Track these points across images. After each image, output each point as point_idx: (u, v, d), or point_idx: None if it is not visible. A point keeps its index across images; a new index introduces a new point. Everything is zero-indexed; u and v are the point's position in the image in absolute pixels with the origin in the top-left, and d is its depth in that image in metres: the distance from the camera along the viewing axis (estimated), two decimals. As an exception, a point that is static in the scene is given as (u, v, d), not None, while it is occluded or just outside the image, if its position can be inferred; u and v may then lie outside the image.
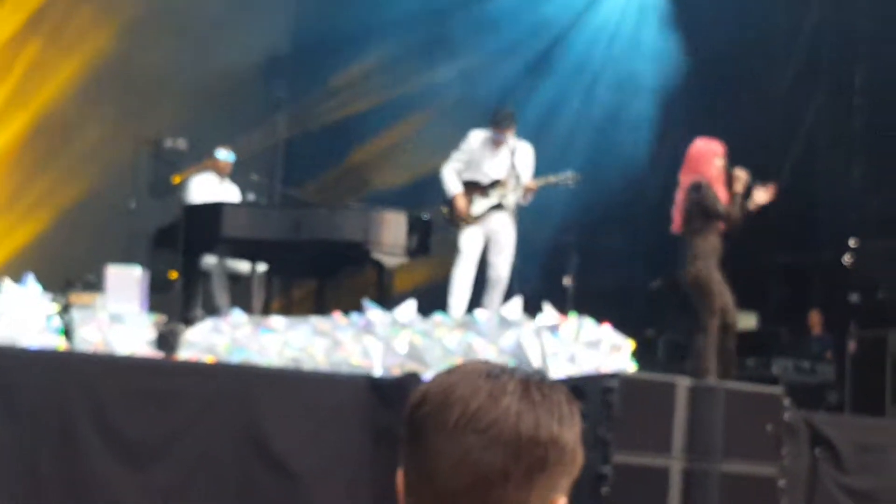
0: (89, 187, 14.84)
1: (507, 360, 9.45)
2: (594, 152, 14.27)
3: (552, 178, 11.15)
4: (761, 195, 9.69)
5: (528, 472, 2.03)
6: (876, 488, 8.94)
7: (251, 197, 12.36)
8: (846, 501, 8.83)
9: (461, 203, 10.88)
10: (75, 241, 14.32)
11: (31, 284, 9.36)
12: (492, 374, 2.07)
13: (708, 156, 9.63)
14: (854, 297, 13.65)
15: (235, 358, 9.40)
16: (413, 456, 2.08)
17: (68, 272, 12.90)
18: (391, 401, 8.03)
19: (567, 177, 11.16)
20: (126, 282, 10.09)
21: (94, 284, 11.86)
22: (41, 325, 9.11)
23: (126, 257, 11.64)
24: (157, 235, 12.08)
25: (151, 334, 9.67)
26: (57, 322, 9.49)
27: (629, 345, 9.99)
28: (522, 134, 11.30)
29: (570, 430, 2.08)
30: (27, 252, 14.31)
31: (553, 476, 2.06)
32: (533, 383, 2.07)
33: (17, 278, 9.35)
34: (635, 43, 15.33)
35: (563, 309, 10.19)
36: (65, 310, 10.62)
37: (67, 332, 9.56)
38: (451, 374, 2.09)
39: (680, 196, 9.66)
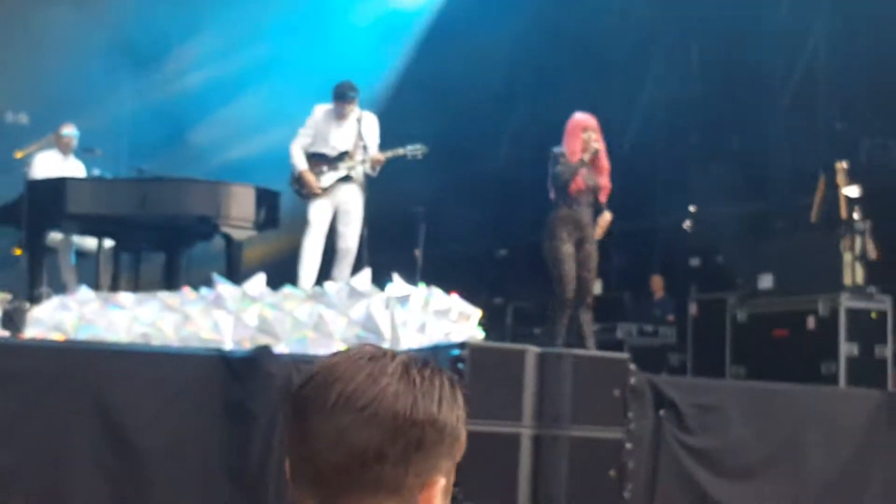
0: None
1: (358, 331, 9.54)
2: (442, 124, 14.38)
3: (400, 151, 11.24)
4: (604, 218, 10.09)
5: (405, 451, 2.06)
6: (716, 447, 9.24)
7: (96, 172, 12.22)
8: (688, 460, 9.10)
9: (309, 178, 10.92)
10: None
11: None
12: (375, 356, 2.10)
13: (575, 129, 9.94)
14: (694, 262, 14.03)
15: (83, 335, 9.31)
16: (294, 437, 2.10)
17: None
18: (242, 376, 8.04)
19: (416, 149, 11.25)
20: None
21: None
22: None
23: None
24: (0, 212, 11.86)
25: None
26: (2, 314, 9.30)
27: (478, 313, 10.13)
28: (370, 105, 11.37)
29: (450, 412, 2.11)
30: None
31: (431, 457, 2.09)
32: (414, 366, 2.11)
33: None
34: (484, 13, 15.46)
35: (412, 279, 10.29)
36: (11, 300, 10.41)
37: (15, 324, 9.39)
38: (335, 357, 2.12)
39: None
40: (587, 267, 9.86)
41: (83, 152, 12.41)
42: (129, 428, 7.53)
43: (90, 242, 11.92)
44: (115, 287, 11.41)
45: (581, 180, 9.85)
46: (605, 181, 10.02)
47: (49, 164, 12.15)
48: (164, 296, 9.89)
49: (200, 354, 8.32)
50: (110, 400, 7.55)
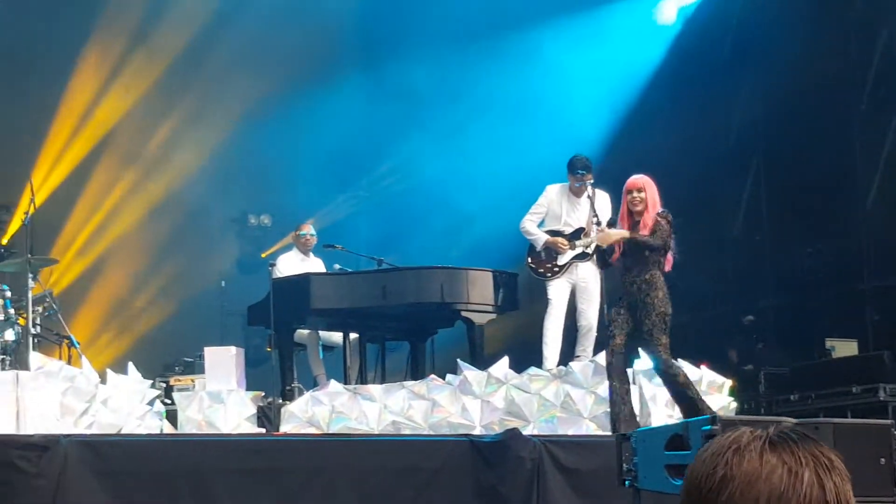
0: (179, 270, 15.08)
1: (606, 407, 9.47)
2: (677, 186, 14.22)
3: None
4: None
5: None
6: None
7: (336, 267, 12.48)
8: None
9: (560, 241, 10.97)
10: (171, 324, 14.55)
11: (132, 372, 9.53)
12: (774, 443, 2.12)
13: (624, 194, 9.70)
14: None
15: (336, 427, 9.52)
16: None
17: (167, 356, 13.16)
18: (492, 460, 8.06)
19: None
20: (223, 361, 10.23)
21: (193, 366, 12.07)
22: (144, 410, 9.28)
23: (222, 335, 11.84)
24: (249, 312, 12.22)
25: (252, 410, 9.81)
26: (159, 406, 9.66)
27: (728, 383, 9.95)
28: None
29: (850, 486, 2.16)
30: (125, 340, 14.56)
31: None
32: (815, 447, 2.14)
33: (120, 368, 9.54)
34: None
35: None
36: (166, 393, 10.83)
37: (170, 415, 9.74)
38: (733, 454, 2.13)
39: None
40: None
41: (323, 248, 12.71)
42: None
43: (336, 336, 12.16)
44: (362, 379, 11.59)
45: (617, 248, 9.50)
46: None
47: (291, 263, 12.47)
48: (412, 384, 10.02)
49: (450, 440, 8.38)
50: (367, 490, 7.66)
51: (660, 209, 9.38)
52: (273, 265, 12.20)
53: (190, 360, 12.29)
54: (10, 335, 10.52)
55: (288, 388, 11.11)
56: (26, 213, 10.68)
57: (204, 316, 14.47)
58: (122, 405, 9.17)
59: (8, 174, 13.29)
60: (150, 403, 9.44)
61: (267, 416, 10.11)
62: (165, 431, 9.30)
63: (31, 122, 14.74)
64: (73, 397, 8.93)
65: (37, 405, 8.65)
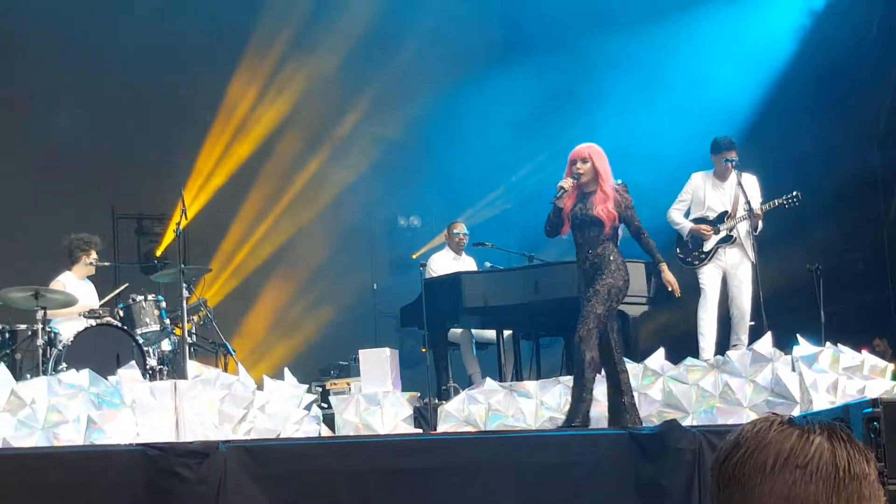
0: (335, 276, 15.19)
1: (767, 397, 9.28)
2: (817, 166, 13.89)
3: (777, 201, 10.91)
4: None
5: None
6: None
7: (488, 265, 12.46)
8: None
9: (703, 227, 10.81)
10: (327, 326, 14.67)
11: (289, 377, 9.60)
12: (792, 420, 2.17)
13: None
14: None
15: (493, 425, 9.48)
16: (731, 503, 2.15)
17: (322, 360, 13.27)
18: (652, 452, 7.93)
19: (792, 197, 10.88)
20: (378, 362, 10.25)
21: (348, 369, 12.14)
22: (301, 415, 9.32)
23: (375, 338, 11.90)
24: (402, 313, 12.26)
25: (408, 411, 9.82)
26: (316, 410, 9.71)
27: (891, 367, 9.65)
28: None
29: (874, 469, 2.15)
30: (282, 345, 14.72)
31: None
32: (834, 426, 2.16)
33: (279, 375, 9.61)
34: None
35: (816, 339, 9.95)
36: (323, 397, 10.91)
37: (327, 419, 9.79)
38: (749, 427, 2.18)
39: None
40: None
41: (474, 247, 12.70)
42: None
43: (489, 334, 12.13)
44: (518, 376, 11.54)
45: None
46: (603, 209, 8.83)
47: (443, 263, 12.48)
48: (567, 379, 9.92)
49: (609, 434, 8.27)
50: (528, 485, 7.60)
51: (613, 181, 8.90)
52: (424, 265, 12.23)
53: (345, 363, 12.37)
54: (166, 345, 10.70)
55: (443, 387, 11.13)
56: (178, 224, 10.84)
57: (358, 319, 14.56)
58: (280, 410, 9.22)
59: (162, 187, 13.52)
60: (308, 408, 9.48)
61: (423, 417, 10.12)
62: (323, 435, 9.33)
63: (186, 135, 14.99)
64: (230, 404, 9.00)
65: (195, 413, 8.74)
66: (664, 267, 9.03)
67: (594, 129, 13.02)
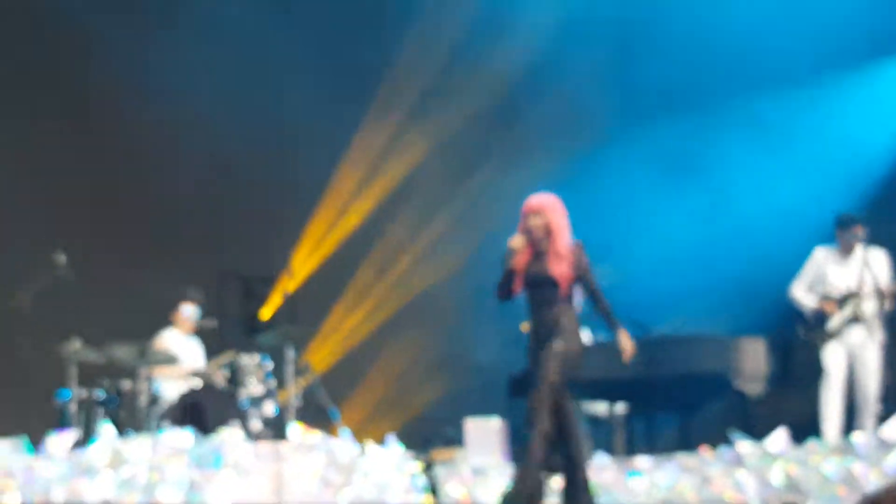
0: (438, 340, 15.03)
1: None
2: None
3: None
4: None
5: None
6: None
7: (601, 338, 12.18)
8: None
9: (828, 304, 10.44)
10: (432, 395, 14.49)
11: (393, 444, 9.39)
12: None
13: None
14: None
15: (602, 503, 9.16)
16: None
17: (427, 428, 13.05)
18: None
19: None
20: (485, 434, 10.04)
21: (454, 439, 11.90)
22: (406, 484, 9.11)
23: (483, 408, 11.65)
24: (510, 384, 12.03)
25: (515, 484, 9.53)
26: (421, 480, 9.47)
27: None
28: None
29: None
30: (388, 413, 14.54)
31: None
32: None
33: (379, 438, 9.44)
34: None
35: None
36: (428, 467, 10.66)
37: (433, 489, 9.55)
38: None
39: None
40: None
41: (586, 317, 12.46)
42: None
43: (600, 407, 11.84)
44: (630, 451, 11.22)
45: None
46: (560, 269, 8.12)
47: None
48: (682, 457, 9.60)
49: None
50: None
51: (569, 238, 8.15)
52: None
53: (450, 432, 12.15)
54: (270, 408, 10.56)
55: (553, 461, 10.82)
56: (285, 287, 10.77)
57: (464, 389, 14.37)
58: (383, 478, 9.03)
59: (271, 248, 13.46)
60: (412, 477, 9.26)
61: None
62: (427, 505, 9.11)
63: (299, 199, 14.98)
64: (333, 470, 8.84)
65: (297, 477, 8.61)
66: (622, 332, 8.31)
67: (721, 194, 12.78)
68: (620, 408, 11.73)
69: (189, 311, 11.27)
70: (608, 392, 11.51)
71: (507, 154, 15.24)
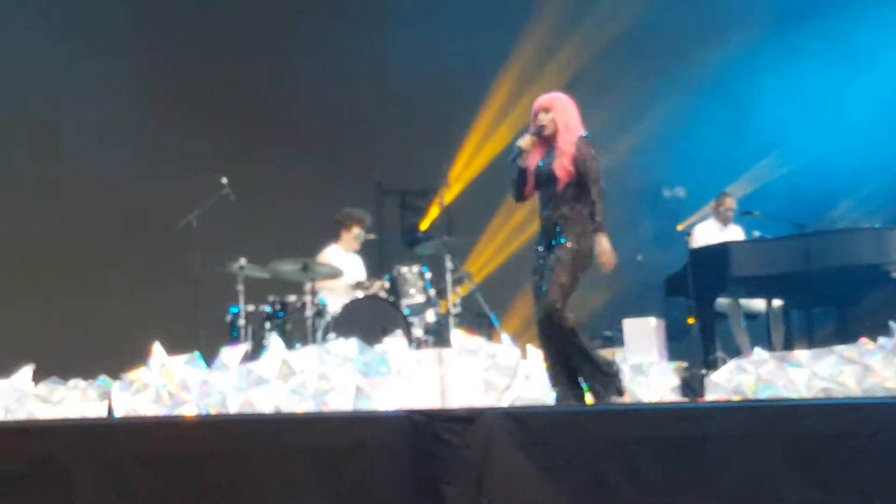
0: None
1: None
2: None
3: None
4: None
5: None
6: None
7: (756, 234, 12.14)
8: None
9: None
10: (590, 297, 14.56)
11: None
12: None
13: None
14: None
15: (762, 396, 9.19)
16: None
17: (585, 329, 13.16)
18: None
19: None
20: (643, 333, 10.11)
21: (613, 339, 12.01)
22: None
23: (640, 308, 11.73)
24: (668, 284, 12.07)
25: (675, 381, 9.63)
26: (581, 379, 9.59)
27: None
28: None
29: None
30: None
31: None
32: None
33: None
34: None
35: None
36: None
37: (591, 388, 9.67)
38: None
39: None
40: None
41: (742, 216, 12.41)
42: (817, 480, 7.24)
43: (758, 304, 11.81)
44: (788, 346, 11.20)
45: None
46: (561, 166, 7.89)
47: (709, 234, 12.25)
48: (841, 349, 9.55)
49: (887, 404, 7.89)
50: (798, 455, 7.32)
51: (580, 133, 7.96)
52: (690, 235, 12.03)
53: (609, 334, 12.25)
54: (431, 315, 10.78)
55: (711, 357, 10.88)
56: (442, 198, 10.92)
57: (622, 290, 14.41)
58: (544, 380, 9.16)
59: (427, 161, 13.62)
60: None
61: (690, 387, 9.91)
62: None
63: (456, 111, 15.10)
64: (495, 373, 8.99)
65: (460, 382, 8.77)
66: (601, 237, 7.99)
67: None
68: (778, 304, 11.69)
69: (357, 234, 11.52)
70: (765, 289, 11.47)
71: (662, 61, 15.16)
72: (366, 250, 11.93)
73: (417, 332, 10.55)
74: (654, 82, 15.45)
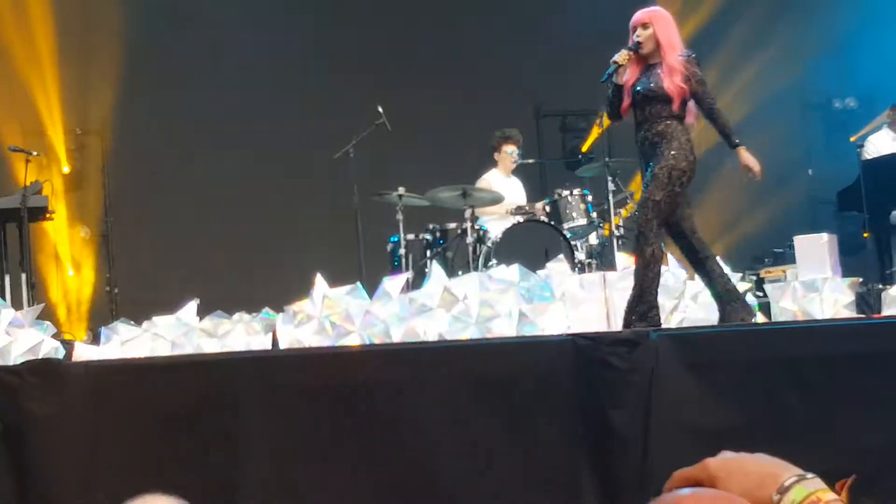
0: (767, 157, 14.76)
1: None
2: None
3: None
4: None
5: None
6: None
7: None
8: None
9: None
10: (760, 215, 14.28)
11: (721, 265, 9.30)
12: None
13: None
14: None
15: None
16: None
17: (755, 247, 12.90)
18: None
19: None
20: (815, 249, 9.81)
21: (783, 256, 11.72)
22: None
23: (811, 224, 11.45)
24: (839, 198, 11.73)
25: (849, 297, 9.33)
26: (752, 299, 9.38)
27: None
28: None
29: None
30: (713, 231, 14.43)
31: None
32: None
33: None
34: None
35: None
36: (757, 285, 10.55)
37: (763, 307, 9.46)
38: None
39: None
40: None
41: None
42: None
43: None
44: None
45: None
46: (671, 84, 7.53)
47: (882, 144, 11.86)
48: None
49: None
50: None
51: (683, 51, 7.62)
52: (862, 147, 11.68)
53: (780, 250, 11.98)
54: (593, 238, 10.63)
55: (887, 272, 10.55)
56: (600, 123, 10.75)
57: (793, 206, 14.11)
58: (712, 300, 8.96)
59: (587, 83, 13.43)
60: (742, 296, 9.16)
61: (866, 302, 9.62)
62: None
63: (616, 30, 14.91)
64: (662, 294, 8.81)
65: (624, 304, 8.63)
66: (742, 150, 7.67)
67: None
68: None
69: (510, 151, 11.40)
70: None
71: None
72: (526, 174, 11.81)
73: (580, 255, 10.41)
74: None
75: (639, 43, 7.67)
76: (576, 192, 10.83)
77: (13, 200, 10.57)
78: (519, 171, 11.60)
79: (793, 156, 14.87)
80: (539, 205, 10.88)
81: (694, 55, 7.67)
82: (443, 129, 13.61)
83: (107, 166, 13.43)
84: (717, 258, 8.28)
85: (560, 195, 10.81)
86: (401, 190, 10.70)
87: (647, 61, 7.71)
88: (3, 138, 12.52)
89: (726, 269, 8.28)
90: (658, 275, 7.73)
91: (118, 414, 5.84)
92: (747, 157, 7.73)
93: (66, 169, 13.43)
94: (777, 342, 7.32)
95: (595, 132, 13.92)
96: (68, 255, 13.31)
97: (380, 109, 11.00)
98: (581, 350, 6.81)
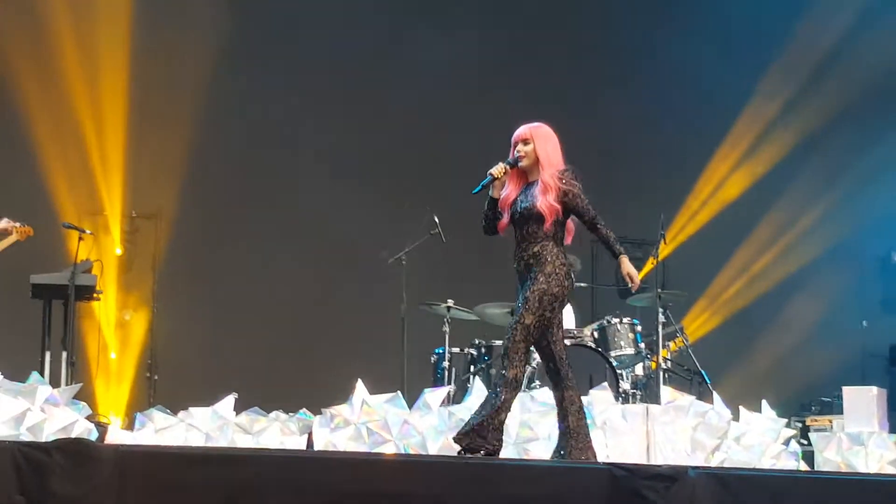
0: (822, 308, 14.64)
1: None
2: None
3: None
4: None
5: None
6: None
7: None
8: None
9: None
10: (810, 363, 14.12)
11: (766, 410, 9.17)
12: None
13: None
14: None
15: None
16: None
17: (803, 395, 12.71)
18: None
19: None
20: (864, 401, 9.67)
21: (831, 406, 11.54)
22: (778, 450, 8.88)
23: (862, 376, 11.28)
24: (892, 352, 11.57)
25: (894, 454, 9.15)
26: (795, 446, 9.22)
27: None
28: None
29: None
30: (761, 375, 14.27)
31: None
32: None
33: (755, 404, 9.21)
34: None
35: None
36: (802, 433, 10.38)
37: (806, 456, 9.30)
38: None
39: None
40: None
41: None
42: None
43: None
44: None
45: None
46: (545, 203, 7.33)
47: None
48: None
49: None
50: None
51: (562, 166, 7.37)
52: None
53: (827, 399, 11.81)
54: (640, 369, 10.51)
55: (936, 432, 10.33)
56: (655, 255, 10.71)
57: (844, 357, 13.94)
58: (756, 443, 8.82)
59: (644, 215, 13.43)
60: (786, 443, 9.01)
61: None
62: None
63: (681, 165, 14.95)
64: (704, 433, 8.70)
65: (667, 439, 8.51)
66: (623, 259, 7.57)
67: None
68: None
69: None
70: None
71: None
72: (577, 298, 11.73)
73: (625, 384, 10.29)
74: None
75: (518, 158, 7.51)
76: (626, 320, 10.75)
77: (62, 277, 10.61)
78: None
79: (848, 306, 14.75)
80: (587, 330, 10.79)
81: (570, 170, 7.46)
82: (496, 245, 13.57)
83: (158, 252, 13.49)
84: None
85: (609, 322, 10.73)
86: (450, 302, 10.65)
87: (528, 178, 7.54)
88: (59, 214, 12.62)
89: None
90: (511, 399, 7.33)
91: (143, 501, 5.77)
92: (627, 265, 7.61)
93: (118, 251, 13.49)
94: (816, 492, 7.17)
95: (650, 263, 13.88)
96: (112, 337, 13.32)
97: (436, 219, 10.98)
98: (617, 480, 6.70)
